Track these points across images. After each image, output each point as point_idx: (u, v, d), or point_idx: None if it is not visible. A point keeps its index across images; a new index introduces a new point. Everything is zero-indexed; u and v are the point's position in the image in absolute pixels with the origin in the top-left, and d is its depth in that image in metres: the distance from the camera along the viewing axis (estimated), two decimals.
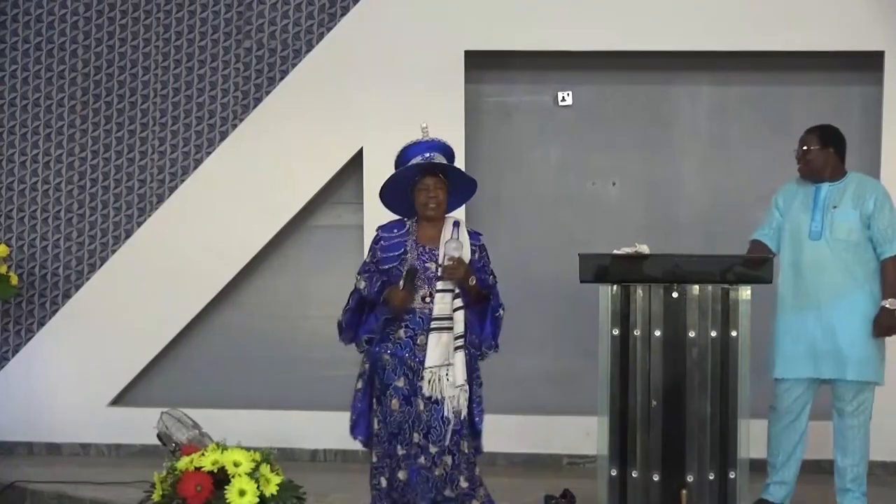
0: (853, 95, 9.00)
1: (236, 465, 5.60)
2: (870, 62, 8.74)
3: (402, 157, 6.49)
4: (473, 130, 8.87)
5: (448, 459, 6.27)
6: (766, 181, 8.96)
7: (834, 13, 8.65)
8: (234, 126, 9.22)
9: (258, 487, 5.57)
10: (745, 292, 6.49)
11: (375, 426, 6.41)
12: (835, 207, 7.05)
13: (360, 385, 6.52)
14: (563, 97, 9.20)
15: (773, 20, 8.68)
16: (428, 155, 6.40)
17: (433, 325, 6.23)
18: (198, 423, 7.19)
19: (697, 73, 9.15)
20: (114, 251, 9.34)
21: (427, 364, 6.22)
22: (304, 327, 9.42)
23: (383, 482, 6.39)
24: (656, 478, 6.51)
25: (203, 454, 5.67)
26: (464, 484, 6.31)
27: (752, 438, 6.57)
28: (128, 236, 9.32)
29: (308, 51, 9.17)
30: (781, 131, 8.97)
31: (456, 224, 6.40)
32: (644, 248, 6.53)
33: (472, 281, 6.24)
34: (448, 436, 6.23)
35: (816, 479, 7.66)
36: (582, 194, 9.24)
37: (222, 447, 5.72)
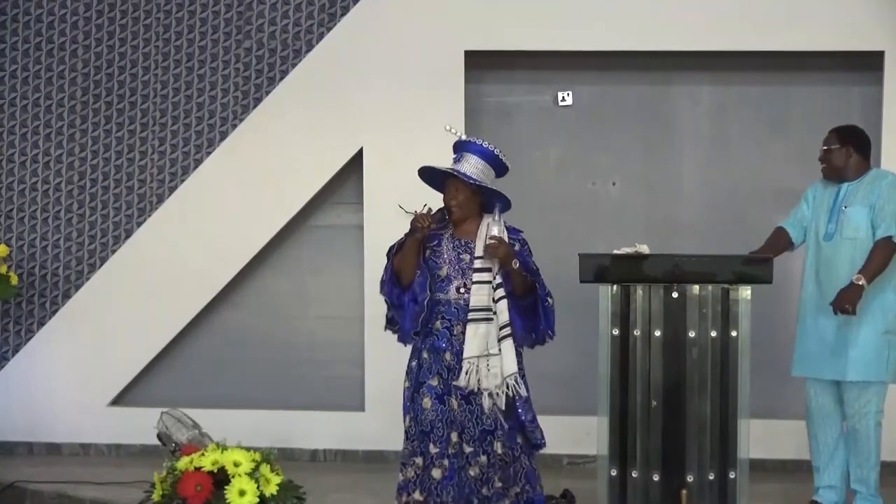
0: (853, 95, 9.01)
1: (236, 465, 5.60)
2: (870, 62, 8.74)
3: (454, 148, 6.49)
4: (473, 130, 8.84)
5: (483, 459, 6.30)
6: (766, 181, 9.01)
7: (834, 13, 8.65)
8: (234, 126, 9.22)
9: (258, 487, 5.57)
10: (745, 292, 6.49)
11: (407, 423, 6.42)
12: (846, 207, 7.07)
13: (407, 384, 6.52)
14: (563, 97, 9.20)
15: (773, 20, 8.68)
16: (456, 156, 6.42)
17: (470, 315, 6.25)
18: (198, 423, 7.20)
19: (697, 73, 9.15)
20: (114, 251, 9.33)
21: (465, 355, 6.23)
22: (304, 327, 9.43)
23: (409, 473, 6.40)
24: (656, 478, 6.51)
25: (203, 454, 5.66)
26: (498, 484, 6.33)
27: (753, 439, 6.57)
28: (128, 236, 9.32)
29: (308, 51, 9.17)
30: (781, 131, 9.01)
31: (499, 210, 6.39)
32: (644, 248, 6.54)
33: (516, 264, 6.25)
34: (481, 436, 6.27)
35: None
36: (582, 194, 9.24)
37: (222, 447, 5.72)
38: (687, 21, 8.76)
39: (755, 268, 6.64)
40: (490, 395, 6.25)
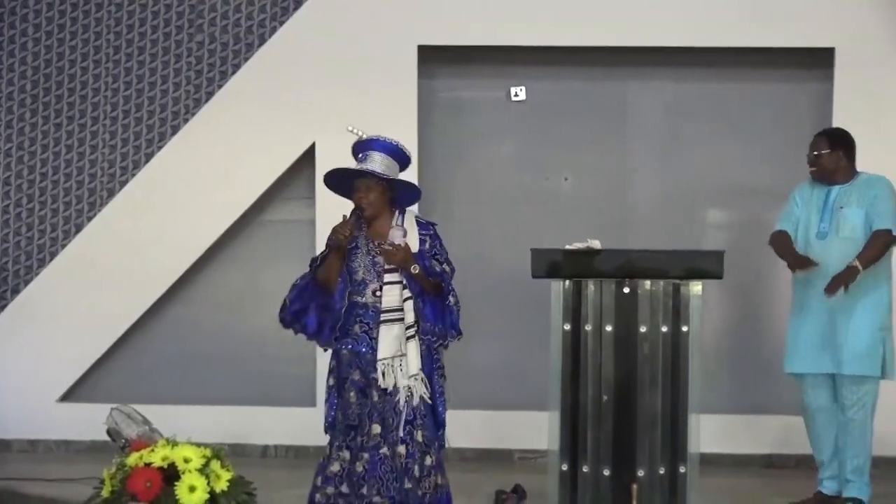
0: (804, 92, 9.06)
1: (186, 461, 5.58)
2: (821, 59, 8.79)
3: (352, 151, 6.49)
4: (426, 125, 8.87)
5: (402, 449, 6.28)
6: (718, 177, 9.05)
7: (786, 11, 8.70)
8: (186, 120, 9.19)
9: (208, 483, 5.56)
10: (695, 287, 6.51)
11: (339, 417, 6.41)
12: (842, 208, 7.16)
13: (331, 382, 6.51)
14: (517, 92, 9.21)
15: (727, 17, 8.73)
16: (362, 156, 6.40)
17: (383, 317, 6.24)
18: (148, 419, 7.16)
19: (650, 69, 9.18)
20: (63, 246, 9.28)
21: (379, 356, 6.22)
22: (256, 323, 9.39)
23: (335, 467, 6.38)
24: (607, 472, 6.52)
25: (153, 450, 5.64)
26: (416, 473, 6.32)
27: (703, 433, 6.59)
28: (78, 231, 9.27)
29: (260, 45, 9.15)
30: (733, 127, 9.05)
31: (402, 213, 6.40)
32: (595, 244, 6.55)
33: (415, 269, 6.24)
34: (401, 426, 6.25)
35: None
36: (535, 190, 9.26)
37: (172, 443, 5.70)
38: (641, 18, 8.79)
39: (706, 263, 6.66)
40: (403, 393, 6.28)
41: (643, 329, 6.48)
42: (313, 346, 8.81)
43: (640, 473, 6.50)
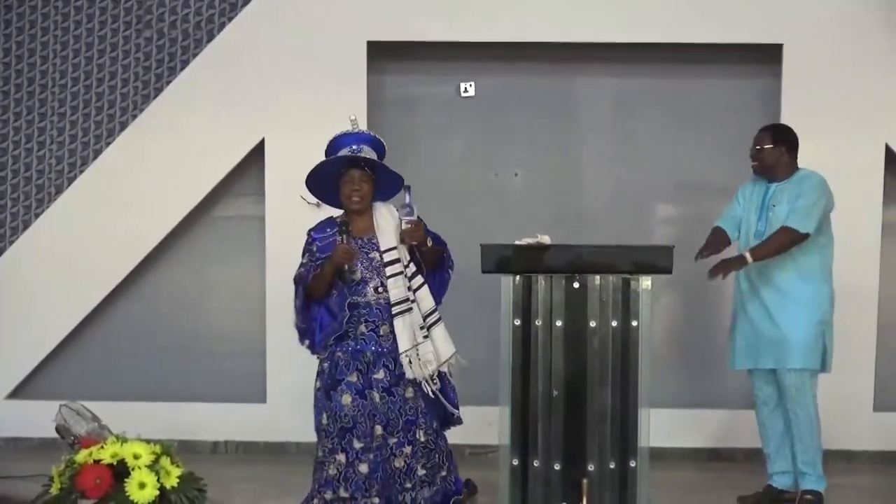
0: (753, 88, 9.10)
1: (136, 457, 5.57)
2: (769, 55, 8.84)
3: (332, 146, 6.51)
4: (376, 121, 8.85)
5: (408, 450, 6.33)
6: (668, 173, 9.09)
7: (734, 7, 8.74)
8: (134, 116, 9.15)
9: (158, 480, 5.55)
10: (645, 282, 6.53)
11: (324, 420, 6.40)
12: (774, 206, 7.22)
13: (318, 384, 6.51)
14: (466, 88, 9.22)
15: (675, 13, 8.77)
16: (356, 147, 6.43)
17: (395, 310, 6.31)
18: (97, 416, 7.14)
19: (601, 65, 9.20)
20: (12, 242, 9.22)
21: (401, 349, 6.32)
22: (205, 319, 9.39)
23: (332, 471, 6.38)
24: (557, 467, 6.54)
25: (102, 447, 5.63)
26: (420, 472, 6.37)
27: (653, 428, 6.62)
28: (26, 227, 9.21)
29: (209, 40, 9.11)
30: (683, 123, 9.10)
31: (407, 189, 6.45)
32: (545, 239, 6.56)
33: (430, 242, 6.31)
34: (405, 426, 6.32)
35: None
36: (485, 185, 9.27)
37: (122, 440, 5.69)
38: (590, 13, 8.81)
39: (655, 258, 6.69)
40: (427, 382, 6.32)
41: (593, 324, 6.50)
42: (263, 342, 8.86)
43: (591, 468, 6.52)
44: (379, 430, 6.33)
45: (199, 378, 9.27)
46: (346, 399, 6.33)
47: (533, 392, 6.55)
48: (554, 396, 6.54)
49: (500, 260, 6.60)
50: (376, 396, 6.32)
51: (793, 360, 7.15)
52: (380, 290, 6.33)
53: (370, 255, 6.36)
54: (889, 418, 8.83)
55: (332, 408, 6.37)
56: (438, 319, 6.38)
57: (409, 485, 6.36)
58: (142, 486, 5.47)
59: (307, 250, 6.53)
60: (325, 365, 6.48)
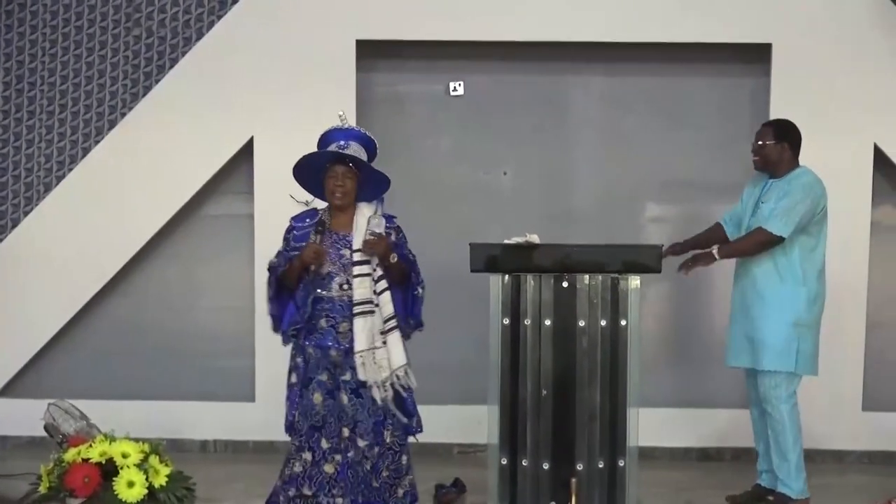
0: (743, 87, 9.10)
1: (125, 456, 5.57)
2: (758, 54, 8.85)
3: (322, 140, 6.51)
4: (365, 120, 8.85)
5: (375, 451, 6.30)
6: (658, 172, 9.09)
7: (724, 6, 8.74)
8: (123, 115, 9.12)
9: (147, 479, 5.55)
10: (633, 282, 6.55)
11: (294, 417, 6.39)
12: (763, 203, 7.21)
13: (293, 379, 6.50)
14: (455, 87, 9.21)
15: (665, 12, 8.76)
16: (343, 143, 6.41)
17: (356, 309, 6.25)
18: (85, 415, 7.14)
19: (590, 64, 9.19)
20: (0, 241, 9.19)
21: (357, 349, 6.24)
22: (194, 317, 9.37)
23: (297, 468, 6.37)
24: (546, 466, 6.55)
25: (91, 445, 5.64)
26: (385, 473, 6.33)
27: (642, 427, 6.63)
28: (14, 226, 9.19)
29: (198, 39, 9.09)
30: (673, 122, 9.09)
31: (380, 202, 6.43)
32: (534, 238, 6.57)
33: (394, 258, 6.26)
34: (373, 427, 6.28)
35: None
36: (474, 184, 9.26)
37: (110, 438, 5.70)
38: (580, 12, 8.81)
39: (643, 257, 6.70)
40: (378, 387, 6.27)
41: (582, 323, 6.52)
42: (252, 340, 8.85)
43: (580, 467, 6.54)
44: (346, 432, 6.31)
45: (187, 377, 9.26)
46: (318, 398, 6.32)
47: (522, 391, 6.57)
48: (543, 396, 6.56)
49: (489, 259, 6.62)
50: (344, 398, 6.30)
51: (764, 361, 7.13)
52: (344, 286, 6.31)
53: (341, 252, 6.34)
54: (878, 418, 8.83)
55: (304, 405, 6.36)
56: (395, 327, 6.33)
57: (375, 484, 6.34)
58: (130, 484, 5.47)
59: (285, 238, 6.52)
60: (299, 360, 6.46)
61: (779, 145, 7.22)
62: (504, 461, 6.61)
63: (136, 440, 5.68)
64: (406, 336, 6.49)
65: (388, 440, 6.34)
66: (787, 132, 7.28)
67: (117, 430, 5.76)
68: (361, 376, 6.25)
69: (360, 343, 6.25)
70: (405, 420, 6.43)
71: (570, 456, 6.56)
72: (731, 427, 8.64)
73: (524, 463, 6.58)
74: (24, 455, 8.31)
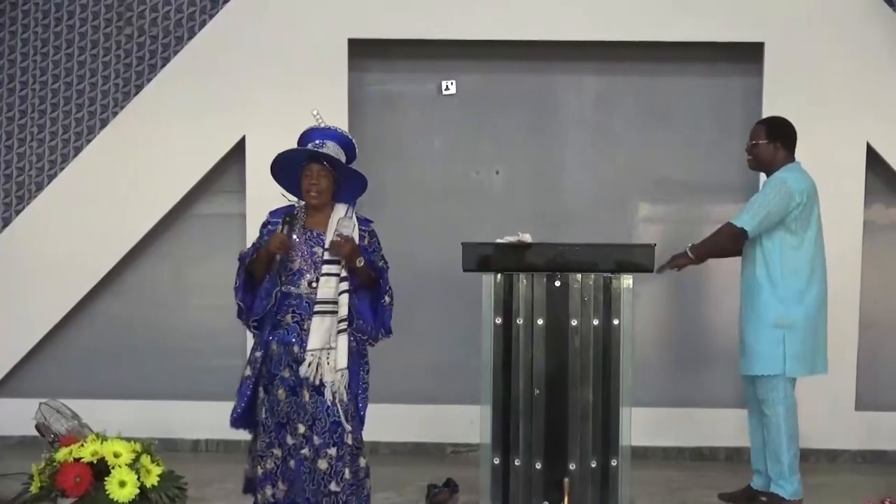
0: (735, 86, 9.11)
1: (116, 455, 5.54)
2: (750, 53, 8.85)
3: (301, 140, 6.49)
4: (357, 119, 8.84)
5: (332, 451, 6.24)
6: (649, 171, 9.08)
7: (716, 5, 8.75)
8: (115, 113, 9.12)
9: (139, 478, 5.52)
10: (626, 281, 6.55)
11: (262, 414, 6.36)
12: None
13: (248, 372, 6.44)
14: (447, 86, 9.20)
15: (657, 11, 8.77)
16: (319, 142, 6.39)
17: (316, 308, 6.19)
18: (77, 414, 7.11)
19: (581, 62, 9.19)
20: None
21: (308, 347, 6.17)
22: (186, 317, 9.36)
23: (269, 465, 6.34)
24: (539, 466, 6.55)
25: (82, 445, 5.60)
26: (348, 476, 6.28)
27: (635, 427, 6.63)
28: (6, 225, 9.17)
29: (190, 38, 9.09)
30: (665, 121, 9.09)
31: (352, 205, 6.40)
32: (527, 237, 6.57)
33: (360, 262, 6.21)
34: (332, 427, 6.22)
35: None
36: (466, 183, 9.26)
37: (102, 438, 5.66)
38: (571, 11, 8.81)
39: (635, 256, 6.70)
40: (329, 388, 6.23)
41: (574, 322, 6.52)
42: (243, 339, 8.82)
43: (572, 467, 6.54)
44: (302, 428, 6.27)
45: (179, 376, 9.25)
46: (282, 394, 6.28)
47: (514, 391, 6.57)
48: (535, 395, 6.55)
49: (482, 258, 6.62)
50: (306, 395, 6.26)
51: (753, 366, 7.14)
52: (313, 284, 6.26)
53: (313, 249, 6.31)
54: (871, 417, 8.85)
55: (270, 401, 6.33)
56: (345, 329, 6.29)
57: (336, 488, 6.28)
58: (122, 484, 5.45)
59: (260, 231, 6.50)
60: (258, 353, 6.38)
61: (771, 144, 7.19)
62: (496, 461, 6.61)
63: (128, 439, 5.66)
64: (372, 344, 6.44)
65: (349, 442, 6.27)
66: (779, 131, 7.25)
67: (109, 429, 5.73)
68: (303, 373, 6.20)
69: (313, 341, 6.19)
70: (349, 428, 6.34)
71: (562, 455, 6.56)
72: (725, 426, 8.65)
73: (517, 462, 6.58)
74: (16, 455, 8.28)
